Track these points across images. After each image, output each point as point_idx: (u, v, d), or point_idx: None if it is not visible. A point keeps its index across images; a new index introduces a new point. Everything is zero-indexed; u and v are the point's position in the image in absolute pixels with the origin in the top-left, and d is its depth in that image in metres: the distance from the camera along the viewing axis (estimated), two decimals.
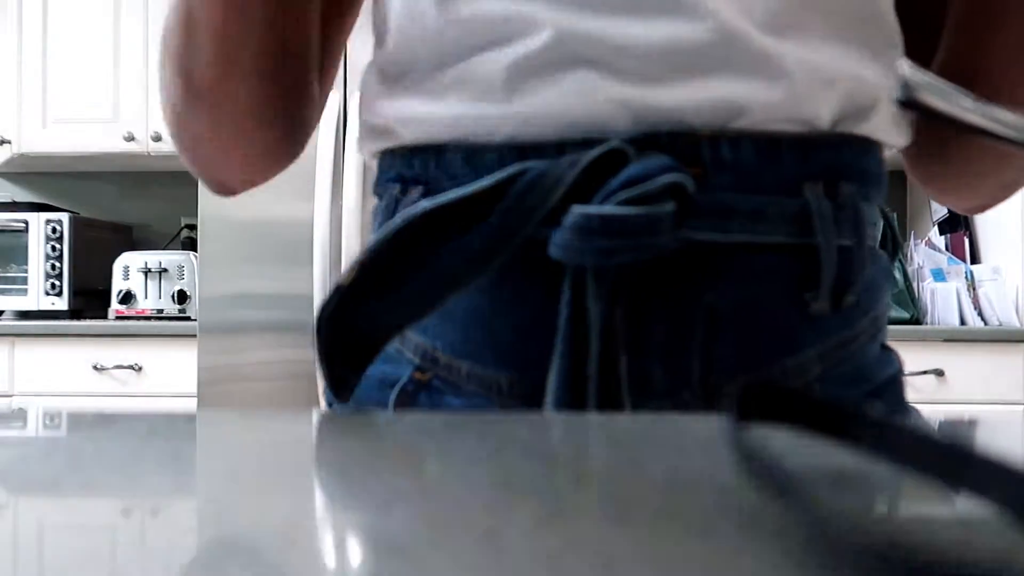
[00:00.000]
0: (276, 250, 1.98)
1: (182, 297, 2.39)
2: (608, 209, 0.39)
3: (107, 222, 2.72)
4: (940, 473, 0.22)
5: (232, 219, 1.99)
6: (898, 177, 1.60)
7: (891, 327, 1.31)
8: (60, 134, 2.52)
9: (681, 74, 0.41)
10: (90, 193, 2.88)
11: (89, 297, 2.52)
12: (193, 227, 2.74)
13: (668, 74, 0.41)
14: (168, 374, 2.23)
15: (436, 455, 0.26)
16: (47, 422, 0.34)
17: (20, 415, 0.36)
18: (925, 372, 2.04)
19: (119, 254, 2.46)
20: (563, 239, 0.39)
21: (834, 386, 0.45)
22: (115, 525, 0.18)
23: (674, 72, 0.41)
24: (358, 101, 0.52)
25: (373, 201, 0.52)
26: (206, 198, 1.99)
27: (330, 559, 0.16)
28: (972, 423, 0.36)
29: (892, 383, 0.49)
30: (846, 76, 0.43)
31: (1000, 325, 2.19)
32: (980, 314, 2.23)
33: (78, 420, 0.34)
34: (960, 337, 2.07)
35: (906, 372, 0.51)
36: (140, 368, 2.24)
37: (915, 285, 2.30)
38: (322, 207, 1.88)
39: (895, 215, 0.71)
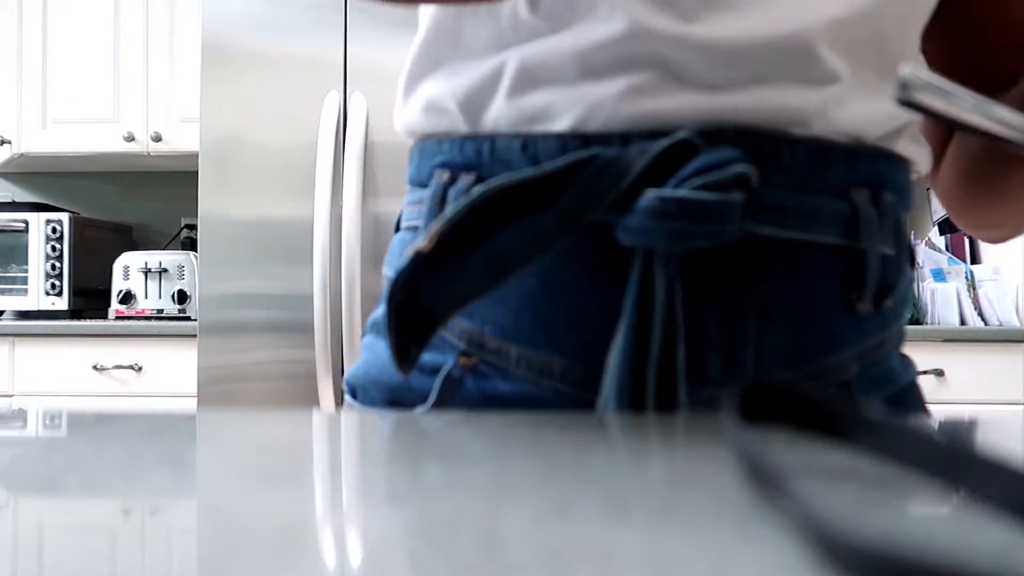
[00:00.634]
0: (276, 250, 1.98)
1: (182, 297, 2.39)
2: (686, 193, 0.40)
3: (107, 222, 2.72)
4: (940, 473, 0.22)
5: (232, 219, 1.99)
6: None
7: None
8: (60, 134, 2.52)
9: (750, 82, 0.43)
10: (90, 193, 2.88)
11: (89, 297, 2.52)
12: (193, 227, 2.74)
13: (737, 80, 0.43)
14: (168, 374, 2.23)
15: (436, 455, 0.26)
16: (47, 422, 0.34)
17: (20, 415, 0.36)
18: (925, 372, 2.04)
19: (119, 254, 2.45)
20: (637, 222, 0.40)
21: (867, 386, 0.46)
22: (115, 525, 0.18)
23: (744, 78, 0.43)
24: (404, 78, 0.51)
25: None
26: (206, 198, 1.99)
27: (330, 559, 0.16)
28: (972, 423, 0.36)
29: (913, 386, 0.51)
30: (887, 98, 0.45)
31: (1000, 325, 2.19)
32: (980, 314, 2.23)
33: (78, 420, 0.34)
34: (960, 337, 2.07)
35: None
36: (140, 368, 2.23)
37: (915, 285, 2.30)
38: (322, 207, 1.88)
39: None
